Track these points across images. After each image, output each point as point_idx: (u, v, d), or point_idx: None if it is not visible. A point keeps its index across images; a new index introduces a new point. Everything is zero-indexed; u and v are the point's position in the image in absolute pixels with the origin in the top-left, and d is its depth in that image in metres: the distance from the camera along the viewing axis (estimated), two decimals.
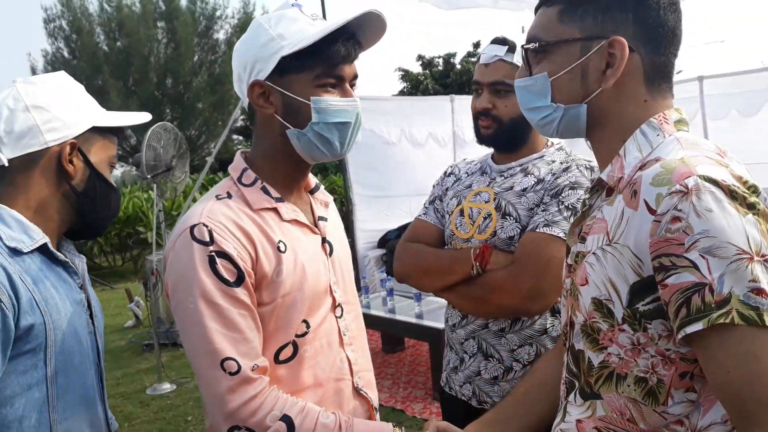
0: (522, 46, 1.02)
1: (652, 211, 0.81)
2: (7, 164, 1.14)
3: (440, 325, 3.60)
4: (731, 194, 0.77)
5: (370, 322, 4.84)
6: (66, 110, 1.21)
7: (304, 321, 1.17)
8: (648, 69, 0.93)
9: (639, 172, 0.87)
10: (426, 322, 4.27)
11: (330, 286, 1.23)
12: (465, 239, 1.63)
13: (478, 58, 1.66)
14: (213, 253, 1.06)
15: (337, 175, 15.17)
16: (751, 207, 0.78)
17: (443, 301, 1.74)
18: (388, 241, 6.54)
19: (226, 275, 1.06)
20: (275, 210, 1.18)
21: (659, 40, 0.93)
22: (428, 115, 7.12)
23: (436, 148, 7.10)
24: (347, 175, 6.47)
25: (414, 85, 21.99)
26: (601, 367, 0.92)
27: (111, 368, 5.56)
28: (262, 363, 1.09)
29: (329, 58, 1.12)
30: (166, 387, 4.83)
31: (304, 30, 1.11)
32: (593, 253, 0.91)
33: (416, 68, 22.71)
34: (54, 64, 18.52)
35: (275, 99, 1.15)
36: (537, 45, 0.98)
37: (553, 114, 0.99)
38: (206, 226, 1.08)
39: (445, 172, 1.86)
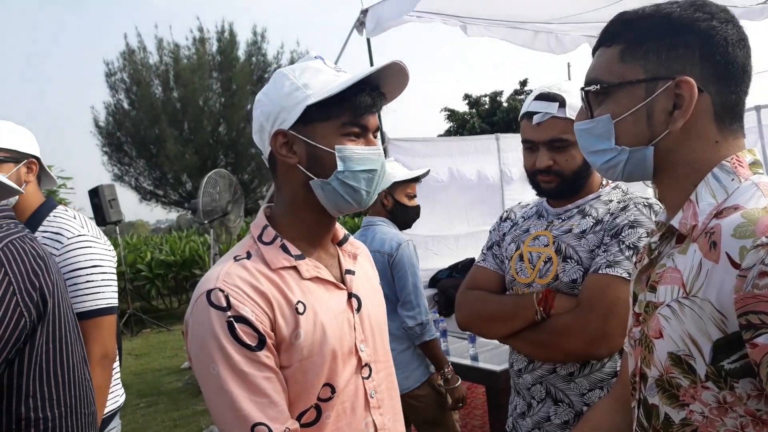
0: (582, 89, 0.99)
1: (735, 265, 0.77)
2: None
3: (496, 367, 3.52)
4: None
5: None
6: None
7: (328, 384, 1.11)
8: (718, 108, 0.90)
9: (715, 221, 0.84)
10: (482, 365, 4.17)
11: (356, 346, 1.17)
12: (526, 284, 1.61)
13: (523, 115, 1.62)
14: (231, 319, 1.03)
15: None
16: None
17: (497, 343, 1.71)
18: (439, 280, 6.48)
19: (246, 340, 1.04)
20: (295, 268, 1.13)
21: (729, 77, 0.89)
22: (474, 154, 7.12)
23: (483, 186, 7.08)
24: None
25: (460, 124, 22.09)
26: (683, 424, 0.87)
27: (168, 409, 5.65)
28: (293, 426, 1.06)
29: (355, 107, 1.10)
30: None
31: (328, 80, 1.11)
32: (668, 305, 0.87)
33: (462, 107, 22.85)
34: (115, 115, 19.46)
35: (299, 148, 1.12)
36: (599, 87, 0.95)
37: (617, 157, 0.95)
38: (222, 291, 1.05)
39: (501, 217, 1.85)
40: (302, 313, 1.10)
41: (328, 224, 1.22)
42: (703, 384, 0.82)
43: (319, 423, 1.11)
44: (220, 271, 1.10)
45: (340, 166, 1.11)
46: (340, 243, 1.27)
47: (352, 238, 1.31)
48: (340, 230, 1.29)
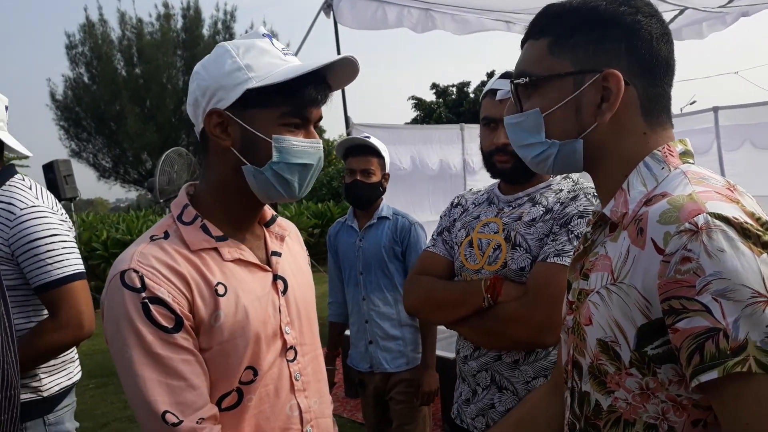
0: (511, 82, 0.98)
1: (660, 251, 0.77)
2: None
3: (448, 354, 3.57)
4: (744, 232, 0.74)
5: None
6: None
7: (251, 367, 1.09)
8: (645, 101, 0.91)
9: (644, 208, 0.84)
10: (438, 352, 4.22)
11: (281, 328, 1.15)
12: (475, 270, 1.61)
13: (486, 93, 1.65)
14: (146, 300, 1.00)
15: None
16: (766, 246, 0.74)
17: (451, 330, 1.72)
18: None
19: (162, 321, 1.00)
20: (216, 250, 1.10)
21: (654, 71, 0.91)
22: (437, 143, 7.15)
23: (446, 176, 7.13)
24: None
25: (427, 114, 22.19)
26: (609, 411, 0.87)
27: (118, 390, 5.55)
28: (209, 412, 1.02)
29: (298, 98, 1.06)
30: None
31: (274, 64, 1.06)
32: (597, 292, 0.87)
33: (430, 96, 22.93)
34: (74, 89, 18.91)
35: (234, 131, 1.08)
36: (527, 80, 0.94)
37: (547, 150, 0.95)
38: (136, 272, 1.01)
39: (452, 203, 1.85)
40: (223, 295, 1.07)
41: (256, 209, 1.18)
42: (627, 370, 0.83)
43: (240, 406, 1.09)
44: (135, 251, 1.05)
45: (275, 157, 1.07)
46: (268, 224, 1.24)
47: (280, 219, 1.28)
48: (268, 211, 1.25)
